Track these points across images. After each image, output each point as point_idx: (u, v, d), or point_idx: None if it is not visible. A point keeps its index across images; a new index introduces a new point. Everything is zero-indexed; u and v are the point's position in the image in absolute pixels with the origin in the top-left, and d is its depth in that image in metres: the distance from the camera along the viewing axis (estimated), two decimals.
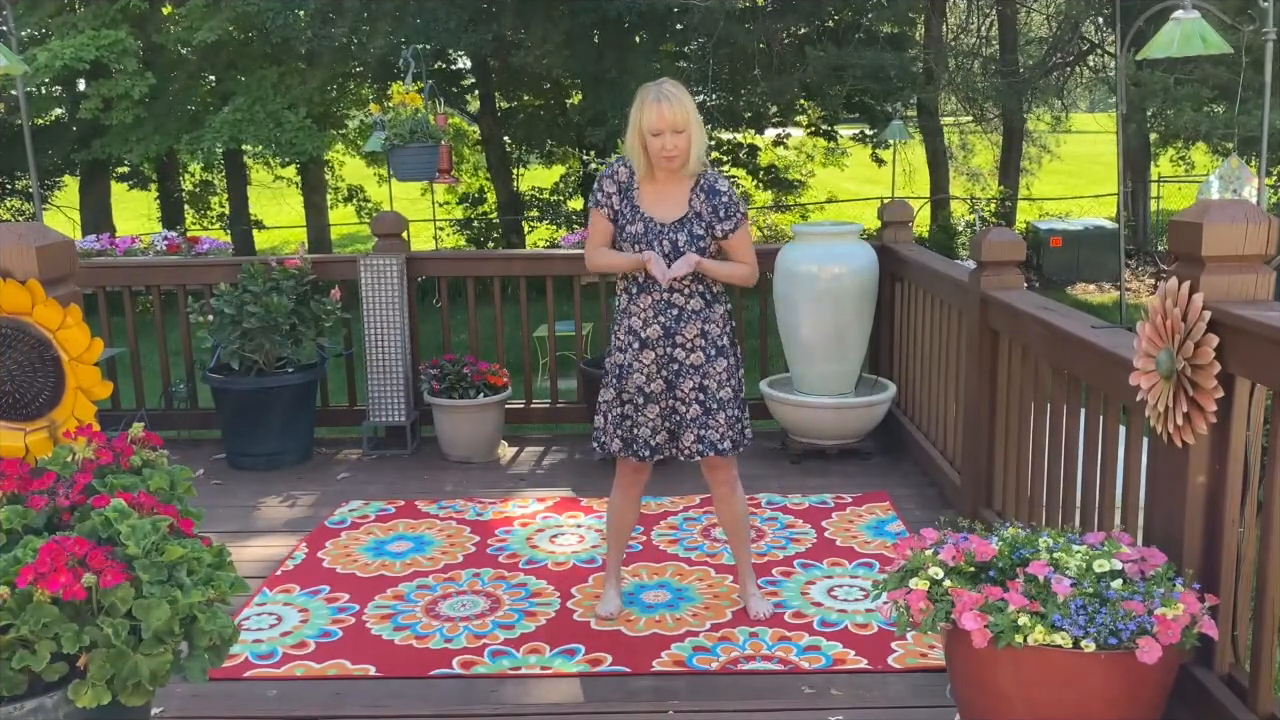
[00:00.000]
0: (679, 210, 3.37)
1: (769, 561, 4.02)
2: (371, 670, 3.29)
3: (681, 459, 3.49)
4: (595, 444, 3.55)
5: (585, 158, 16.38)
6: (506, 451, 5.56)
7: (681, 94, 3.28)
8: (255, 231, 17.74)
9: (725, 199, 3.38)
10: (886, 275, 5.45)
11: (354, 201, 18.68)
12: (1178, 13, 4.87)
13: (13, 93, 12.97)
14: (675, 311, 3.38)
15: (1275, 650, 2.41)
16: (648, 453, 3.46)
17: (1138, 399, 2.65)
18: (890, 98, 12.92)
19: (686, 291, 3.38)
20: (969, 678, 2.50)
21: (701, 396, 3.41)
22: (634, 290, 3.42)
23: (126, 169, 16.25)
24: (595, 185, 3.47)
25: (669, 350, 3.39)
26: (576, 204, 17.44)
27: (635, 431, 3.45)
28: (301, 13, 12.51)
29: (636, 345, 3.40)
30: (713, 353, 3.41)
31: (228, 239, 15.15)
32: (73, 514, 2.41)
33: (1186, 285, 2.51)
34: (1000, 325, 3.85)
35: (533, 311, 6.29)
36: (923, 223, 15.73)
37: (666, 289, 3.37)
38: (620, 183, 3.42)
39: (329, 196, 17.68)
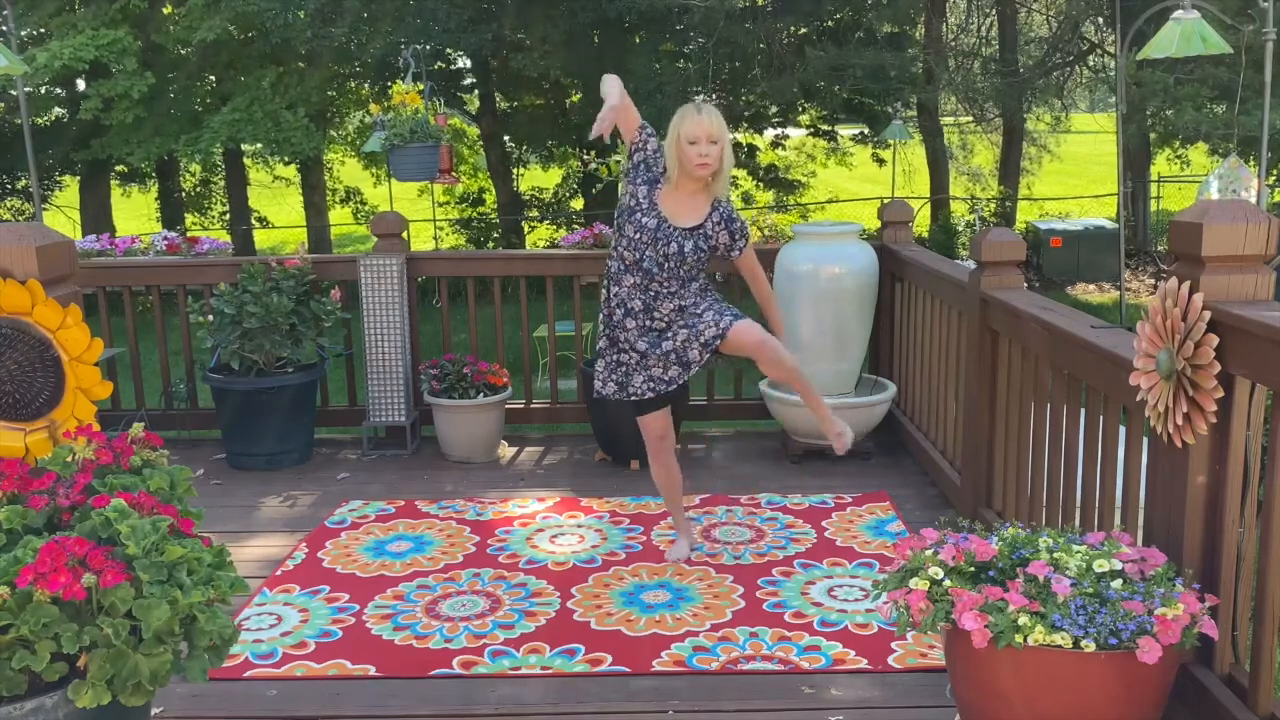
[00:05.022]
0: (694, 219, 3.71)
1: (769, 561, 4.02)
2: (371, 670, 3.29)
3: (696, 368, 3.79)
4: (597, 383, 3.90)
5: (585, 158, 16.38)
6: (506, 451, 5.56)
7: (716, 112, 3.68)
8: (256, 230, 17.75)
9: (737, 225, 3.77)
10: (886, 275, 5.45)
11: (351, 203, 18.69)
12: (1178, 13, 4.88)
13: (13, 93, 12.97)
14: (653, 294, 3.72)
15: (1275, 650, 2.41)
16: (636, 394, 3.82)
17: (1138, 399, 2.65)
18: (890, 98, 12.91)
19: (666, 286, 3.71)
20: (969, 678, 2.50)
21: (689, 318, 3.72)
22: (620, 268, 3.74)
23: (126, 169, 16.25)
24: (642, 146, 3.75)
25: (648, 322, 3.75)
26: (577, 204, 17.45)
27: (629, 378, 3.82)
28: (301, 13, 12.51)
29: (621, 313, 3.77)
30: (691, 319, 3.72)
31: (228, 239, 15.16)
32: (73, 514, 2.42)
33: (1186, 285, 2.51)
34: (1000, 325, 3.85)
35: (533, 311, 6.29)
36: (923, 223, 15.72)
37: (647, 278, 3.68)
38: (655, 177, 3.73)
39: (327, 197, 17.70)
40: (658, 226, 3.67)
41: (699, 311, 3.73)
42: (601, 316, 3.87)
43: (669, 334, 3.75)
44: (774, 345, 3.72)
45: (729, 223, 3.74)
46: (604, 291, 3.86)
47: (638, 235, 3.68)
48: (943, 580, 2.48)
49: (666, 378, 3.80)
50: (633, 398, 3.85)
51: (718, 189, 3.73)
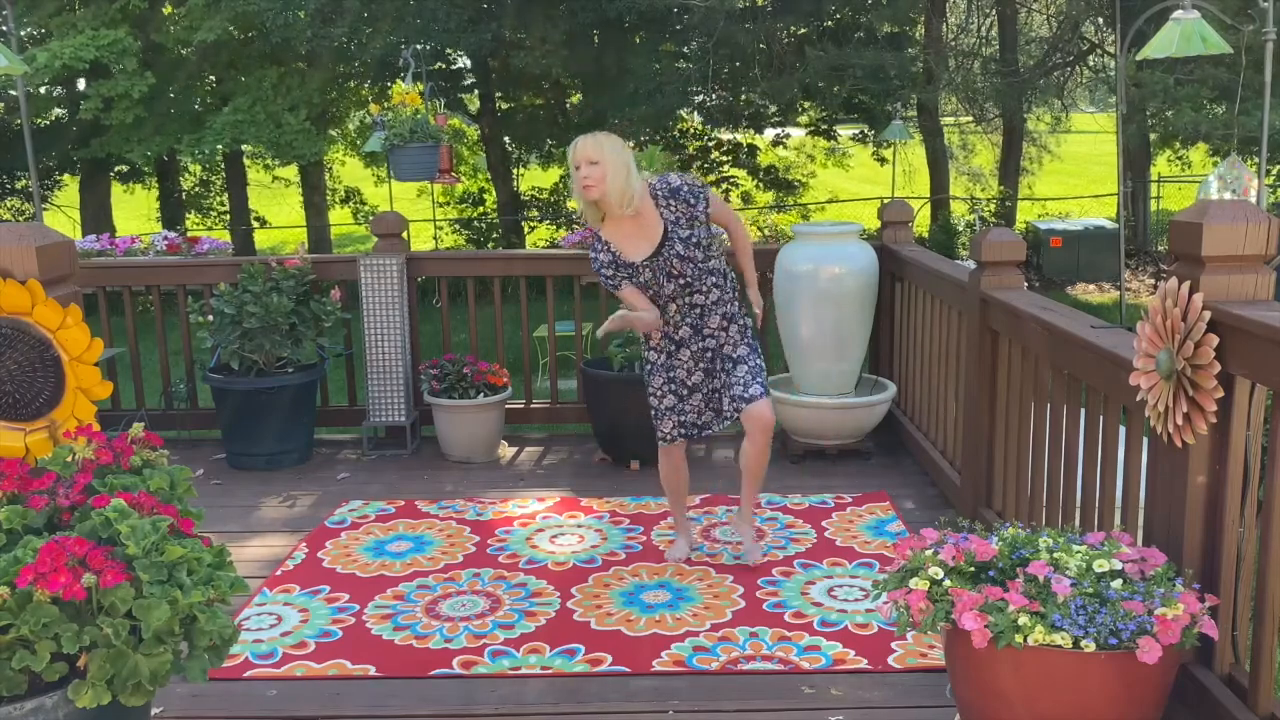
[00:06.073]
0: (656, 233, 3.66)
1: (769, 561, 4.02)
2: (371, 670, 3.29)
3: (726, 423, 3.93)
4: (656, 428, 3.95)
5: None
6: (506, 451, 5.56)
7: (602, 136, 3.62)
8: (256, 230, 17.75)
9: (685, 189, 3.67)
10: (886, 275, 5.45)
11: (351, 203, 18.69)
12: (1178, 13, 4.88)
13: (13, 93, 12.97)
14: (699, 310, 3.77)
15: (1275, 650, 2.41)
16: (696, 431, 3.94)
17: (1138, 399, 2.65)
18: (890, 98, 12.91)
19: (703, 289, 3.75)
20: (969, 678, 2.50)
21: (727, 364, 3.84)
22: (661, 301, 3.77)
23: (127, 169, 16.25)
24: (599, 273, 3.76)
25: (701, 344, 3.81)
26: (576, 204, 17.42)
27: (684, 418, 3.91)
28: (301, 13, 12.51)
29: (672, 347, 3.83)
30: (729, 325, 3.82)
31: (228, 239, 15.16)
32: (73, 514, 2.42)
33: (1186, 285, 2.51)
34: (1000, 325, 3.85)
35: (533, 311, 6.29)
36: (923, 223, 15.72)
37: (686, 293, 3.73)
38: (607, 260, 3.72)
39: (327, 197, 17.70)
40: (652, 274, 3.69)
41: (733, 355, 3.81)
42: (649, 358, 3.90)
43: (719, 369, 3.82)
44: (769, 443, 3.86)
45: (673, 193, 3.65)
46: (646, 338, 3.89)
47: (652, 293, 3.76)
48: (943, 580, 2.48)
49: (700, 422, 3.93)
50: (692, 437, 3.94)
51: (634, 197, 3.59)
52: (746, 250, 3.96)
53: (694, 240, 3.68)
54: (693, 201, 3.67)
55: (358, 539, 4.35)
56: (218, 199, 18.52)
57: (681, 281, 3.70)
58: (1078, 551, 2.50)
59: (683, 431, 3.93)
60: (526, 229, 17.05)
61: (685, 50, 13.83)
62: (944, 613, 2.42)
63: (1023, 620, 2.33)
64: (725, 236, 4.11)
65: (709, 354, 3.83)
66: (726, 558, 4.06)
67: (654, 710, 3.03)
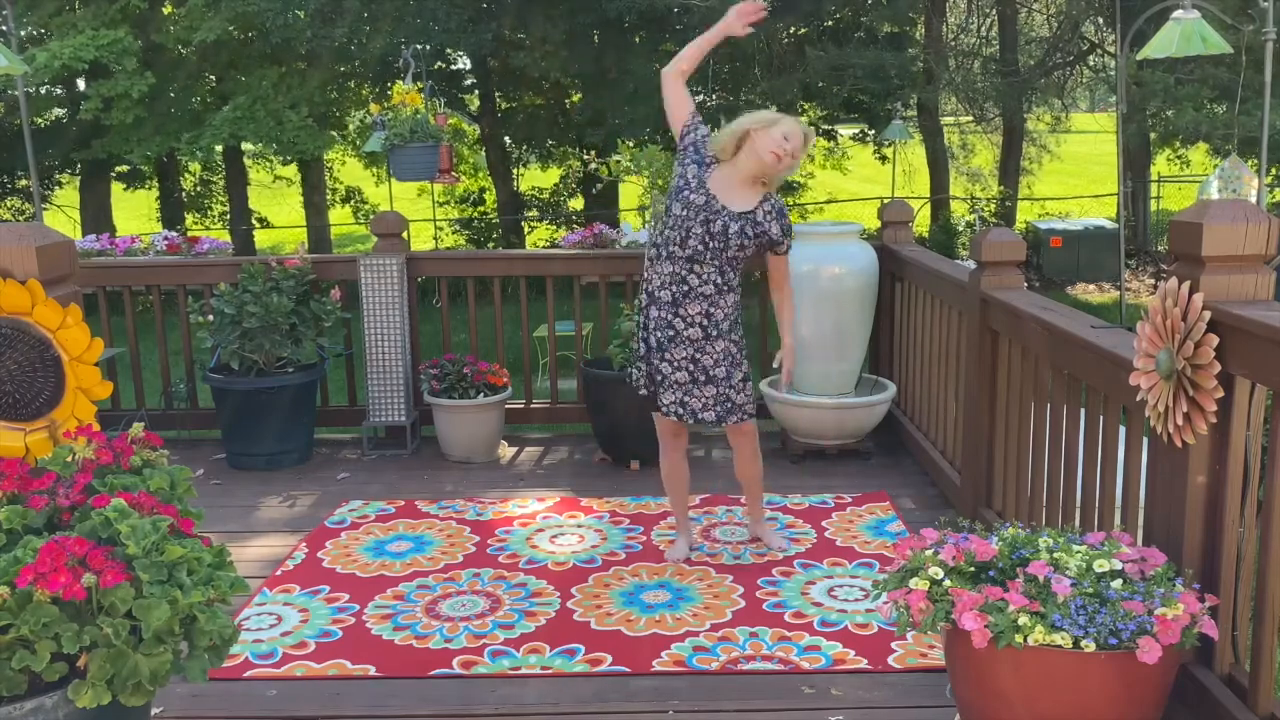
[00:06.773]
0: (745, 205, 3.72)
1: (769, 561, 4.02)
2: (371, 670, 3.29)
3: (661, 414, 3.87)
4: (634, 372, 3.97)
5: (585, 158, 16.38)
6: (506, 451, 5.56)
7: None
8: (256, 230, 17.75)
9: (787, 223, 3.81)
10: (886, 275, 5.45)
11: (351, 203, 18.69)
12: (1178, 13, 4.88)
13: (13, 93, 12.96)
14: (686, 288, 3.73)
15: (1275, 650, 2.41)
16: (654, 395, 3.86)
17: (1138, 399, 2.65)
18: (890, 98, 12.91)
19: (703, 276, 3.72)
20: (969, 678, 2.50)
21: (691, 367, 3.78)
22: (662, 255, 3.76)
23: (127, 169, 16.25)
24: (694, 128, 3.84)
25: (668, 317, 3.75)
26: (577, 204, 17.45)
27: (649, 368, 3.85)
28: (301, 13, 12.51)
29: (646, 299, 3.83)
30: (713, 334, 3.76)
31: (228, 239, 15.16)
32: (73, 514, 2.42)
33: (1186, 285, 2.51)
34: (1000, 325, 3.85)
35: (533, 311, 6.29)
36: (923, 223, 15.72)
37: (688, 262, 3.68)
38: (706, 160, 3.78)
39: (327, 197, 17.70)
40: (706, 204, 3.68)
41: (709, 373, 3.75)
42: (637, 306, 3.95)
43: (679, 359, 3.75)
44: (755, 451, 4.00)
45: (780, 216, 3.77)
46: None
47: (685, 212, 3.68)
48: (943, 580, 2.48)
49: (650, 388, 3.86)
50: (656, 402, 3.88)
51: (772, 186, 3.80)
52: (784, 319, 3.92)
53: (737, 240, 3.66)
54: (775, 233, 3.73)
55: (358, 539, 4.35)
56: (218, 199, 18.52)
57: (695, 239, 3.65)
58: (1078, 551, 2.50)
59: (645, 385, 3.86)
60: (526, 229, 17.05)
61: None
62: (944, 613, 2.42)
63: (1023, 620, 2.33)
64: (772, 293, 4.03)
65: (670, 332, 3.74)
66: (726, 558, 4.06)
67: (654, 710, 3.03)
